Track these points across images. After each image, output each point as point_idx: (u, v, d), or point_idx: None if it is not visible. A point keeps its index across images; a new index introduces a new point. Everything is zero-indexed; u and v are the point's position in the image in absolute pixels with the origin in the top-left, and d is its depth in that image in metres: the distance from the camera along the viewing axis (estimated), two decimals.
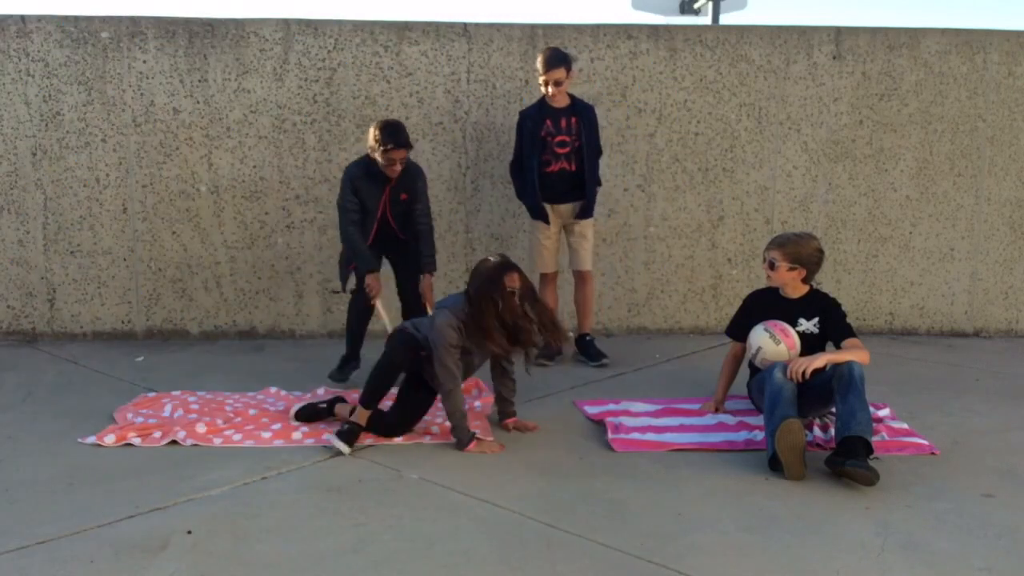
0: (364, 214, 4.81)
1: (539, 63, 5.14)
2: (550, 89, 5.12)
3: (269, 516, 3.22)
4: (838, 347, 4.11)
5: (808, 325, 4.20)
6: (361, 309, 4.95)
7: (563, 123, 5.19)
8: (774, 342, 4.09)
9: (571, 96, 5.28)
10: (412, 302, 4.99)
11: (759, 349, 4.12)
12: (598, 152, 5.36)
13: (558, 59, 5.10)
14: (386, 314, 4.86)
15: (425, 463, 3.74)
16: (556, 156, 5.20)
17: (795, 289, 4.27)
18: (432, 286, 4.97)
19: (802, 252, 4.19)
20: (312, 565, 2.87)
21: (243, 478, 3.57)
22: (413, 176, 4.89)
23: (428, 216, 4.97)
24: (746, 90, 6.05)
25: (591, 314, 5.53)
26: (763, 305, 4.33)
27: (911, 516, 3.28)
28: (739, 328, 4.38)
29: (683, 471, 3.69)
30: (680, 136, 6.07)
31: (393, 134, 4.63)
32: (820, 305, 4.25)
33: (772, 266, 4.25)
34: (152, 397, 4.65)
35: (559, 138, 5.18)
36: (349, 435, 3.90)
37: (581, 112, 5.24)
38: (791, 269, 4.20)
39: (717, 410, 4.42)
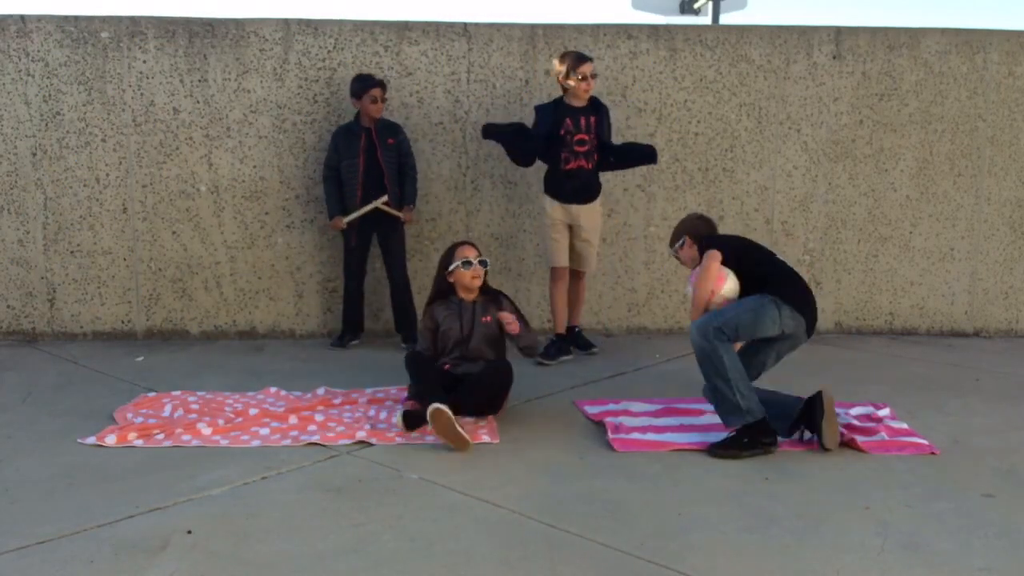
0: (348, 161, 5.55)
1: (567, 62, 5.25)
2: (587, 83, 5.24)
3: (269, 516, 3.22)
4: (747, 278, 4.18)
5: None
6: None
7: (583, 122, 5.29)
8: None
9: (591, 96, 5.39)
10: (400, 284, 5.72)
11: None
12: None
13: (588, 55, 5.32)
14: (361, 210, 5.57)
15: (425, 463, 3.74)
16: (575, 154, 5.31)
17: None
18: (412, 217, 5.75)
19: (680, 227, 4.42)
20: (312, 565, 2.87)
21: (243, 478, 3.57)
22: (394, 126, 5.67)
23: (414, 168, 5.72)
24: (746, 90, 6.05)
25: (581, 307, 5.72)
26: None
27: (911, 516, 3.28)
28: None
29: (683, 471, 3.69)
30: (680, 136, 6.07)
31: (365, 76, 5.57)
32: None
33: (677, 257, 4.46)
34: (152, 397, 4.65)
35: (579, 136, 5.28)
36: (413, 418, 4.12)
37: (601, 111, 5.38)
38: (681, 247, 4.38)
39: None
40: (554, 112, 5.31)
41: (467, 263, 4.42)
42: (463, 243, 4.57)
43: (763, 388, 4.15)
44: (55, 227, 5.90)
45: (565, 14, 25.50)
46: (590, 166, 5.35)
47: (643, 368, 5.36)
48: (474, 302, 4.48)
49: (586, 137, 5.28)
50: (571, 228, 5.44)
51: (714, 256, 4.08)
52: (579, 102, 5.31)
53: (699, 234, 4.35)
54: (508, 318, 4.40)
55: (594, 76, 5.28)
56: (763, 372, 4.30)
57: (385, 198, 5.54)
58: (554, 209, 5.40)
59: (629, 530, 3.13)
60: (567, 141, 5.28)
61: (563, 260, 5.46)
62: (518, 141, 5.38)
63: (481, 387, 4.21)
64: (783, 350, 4.22)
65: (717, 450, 3.87)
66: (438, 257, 4.72)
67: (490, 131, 5.37)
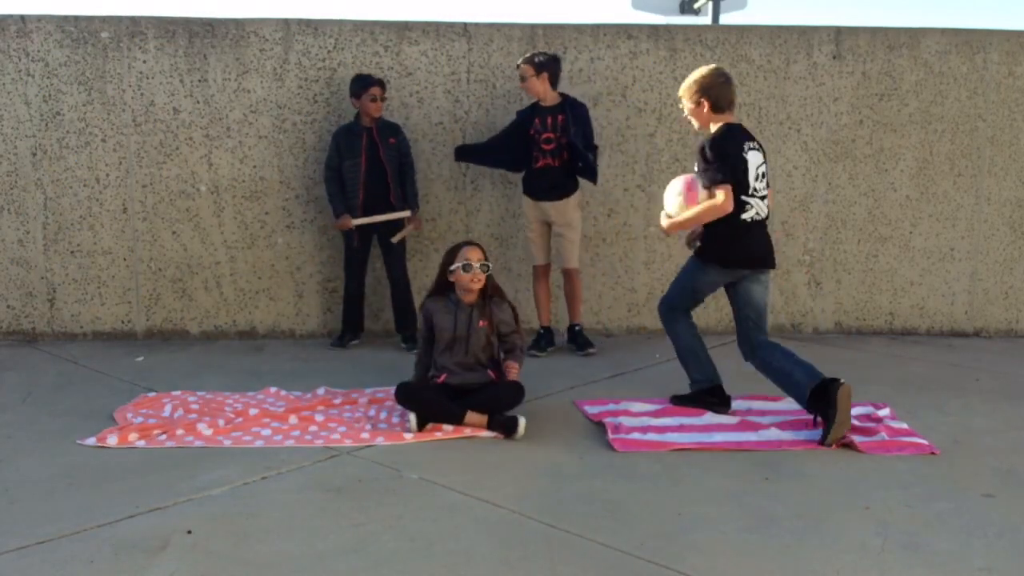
0: (351, 161, 5.55)
1: None
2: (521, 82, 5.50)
3: (269, 516, 3.22)
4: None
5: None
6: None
7: (549, 121, 5.44)
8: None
9: (563, 95, 5.51)
10: (400, 283, 5.74)
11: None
12: (590, 146, 5.46)
13: (526, 56, 5.44)
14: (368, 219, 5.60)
15: (425, 463, 3.74)
16: (543, 152, 5.46)
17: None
18: (420, 222, 5.77)
19: (707, 83, 4.19)
20: (312, 565, 2.87)
21: (243, 478, 3.57)
22: (394, 126, 5.69)
23: (413, 168, 5.76)
24: (746, 90, 6.05)
25: (579, 305, 5.73)
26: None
27: (911, 516, 3.28)
28: None
29: (683, 471, 3.69)
30: (680, 136, 6.07)
31: (364, 76, 5.58)
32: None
33: (683, 108, 4.34)
34: (152, 397, 4.65)
35: (545, 135, 5.44)
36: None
37: (569, 109, 5.45)
38: (696, 106, 4.24)
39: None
40: (529, 114, 5.49)
41: (467, 266, 4.27)
42: (468, 243, 4.40)
43: (795, 358, 4.17)
44: (55, 227, 5.90)
45: (565, 14, 25.54)
46: (557, 164, 5.46)
47: (643, 368, 5.36)
48: (472, 304, 4.33)
49: (552, 136, 5.42)
50: (548, 225, 5.59)
51: (726, 207, 4.08)
52: (547, 102, 5.44)
53: (720, 107, 4.20)
54: (513, 369, 4.35)
55: (522, 79, 5.38)
56: (764, 310, 4.34)
57: (405, 214, 5.63)
58: (529, 207, 5.59)
59: (629, 530, 3.13)
60: (536, 140, 5.45)
61: (541, 258, 5.65)
62: (489, 156, 5.63)
63: (491, 408, 4.18)
64: (757, 281, 4.31)
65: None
66: (438, 257, 4.72)
67: (460, 154, 5.67)
